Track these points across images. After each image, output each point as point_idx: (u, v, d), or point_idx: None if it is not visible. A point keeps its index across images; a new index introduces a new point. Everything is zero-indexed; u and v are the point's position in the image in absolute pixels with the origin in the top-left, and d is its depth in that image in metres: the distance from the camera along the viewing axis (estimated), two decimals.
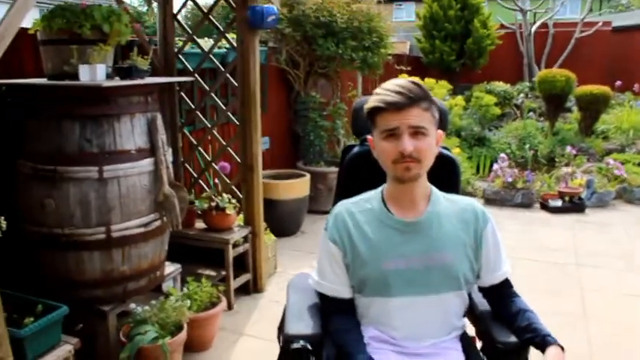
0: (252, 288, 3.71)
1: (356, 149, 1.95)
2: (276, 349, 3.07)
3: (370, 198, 1.71)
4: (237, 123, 3.58)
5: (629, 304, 3.66)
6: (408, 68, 7.59)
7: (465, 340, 1.74)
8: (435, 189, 1.70)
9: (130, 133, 2.55)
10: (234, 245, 3.49)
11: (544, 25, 11.75)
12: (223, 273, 3.47)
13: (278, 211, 4.67)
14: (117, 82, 2.56)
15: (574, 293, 3.83)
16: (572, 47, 11.36)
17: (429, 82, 7.85)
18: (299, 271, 4.04)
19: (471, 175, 6.69)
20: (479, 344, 1.80)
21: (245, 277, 3.64)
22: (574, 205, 5.75)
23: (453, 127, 7.59)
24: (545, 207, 5.85)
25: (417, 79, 1.61)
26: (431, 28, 10.28)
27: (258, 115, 3.52)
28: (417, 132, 1.54)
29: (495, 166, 6.35)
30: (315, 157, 5.59)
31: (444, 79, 8.25)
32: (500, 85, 9.40)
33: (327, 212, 5.64)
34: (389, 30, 5.68)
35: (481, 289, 1.75)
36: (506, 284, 1.73)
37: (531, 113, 9.12)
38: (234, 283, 3.51)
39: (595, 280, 4.03)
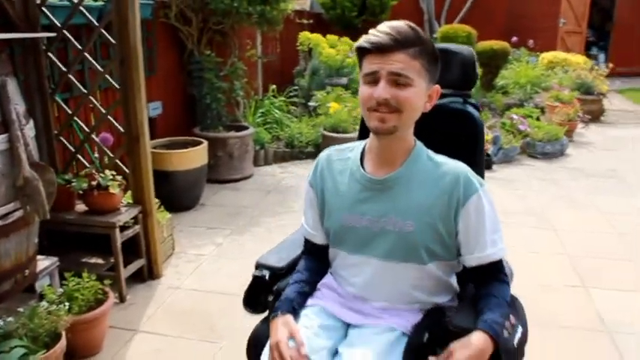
0: (147, 275, 3.27)
1: None
2: (175, 345, 2.73)
3: (354, 147, 1.61)
4: (118, 87, 3.07)
5: (542, 262, 3.59)
6: (310, 21, 7.23)
7: (434, 316, 1.50)
8: (420, 147, 1.53)
9: None
10: (123, 228, 3.03)
11: None
12: (112, 260, 3.02)
13: (174, 183, 4.22)
14: None
15: None
16: (471, 3, 11.39)
17: (331, 38, 7.51)
18: (198, 250, 3.74)
19: None
20: None
21: (138, 263, 3.20)
22: None
23: (356, 86, 7.33)
24: None
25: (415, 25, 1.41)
26: None
27: (142, 76, 3.01)
28: (397, 80, 1.37)
29: None
30: (213, 122, 5.12)
31: (346, 36, 7.92)
32: None
33: (228, 181, 5.28)
34: None
35: (464, 269, 1.54)
36: (489, 269, 1.48)
37: None
38: (126, 272, 3.07)
39: (508, 239, 3.92)
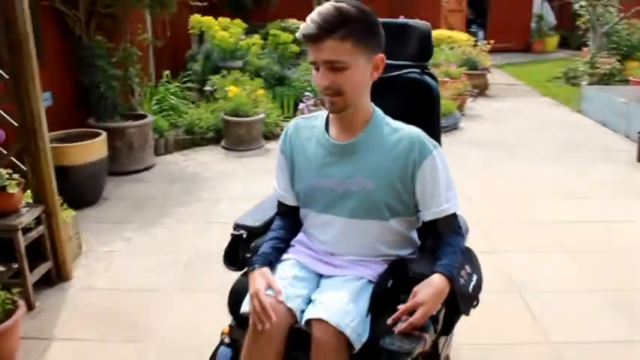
0: (55, 278, 3.05)
1: None
2: (98, 350, 2.57)
3: (319, 116, 1.73)
4: (7, 77, 2.80)
5: None
6: (205, 3, 7.02)
7: (397, 266, 1.65)
8: (379, 114, 1.65)
9: None
10: (25, 230, 2.81)
11: None
12: (16, 266, 2.78)
13: (73, 179, 3.95)
14: None
15: None
16: None
17: (223, 20, 7.32)
18: (108, 247, 3.54)
19: (277, 116, 6.42)
20: None
21: (45, 267, 2.97)
22: None
23: (253, 67, 7.22)
24: None
25: (342, 4, 1.46)
26: None
27: (34, 61, 2.78)
28: (333, 66, 1.46)
29: (301, 105, 6.16)
30: (109, 112, 4.84)
31: (237, 18, 7.76)
32: (295, 22, 9.17)
33: (130, 172, 5.06)
34: None
35: (423, 224, 1.69)
36: (444, 221, 1.62)
37: None
38: (32, 277, 2.84)
39: None
